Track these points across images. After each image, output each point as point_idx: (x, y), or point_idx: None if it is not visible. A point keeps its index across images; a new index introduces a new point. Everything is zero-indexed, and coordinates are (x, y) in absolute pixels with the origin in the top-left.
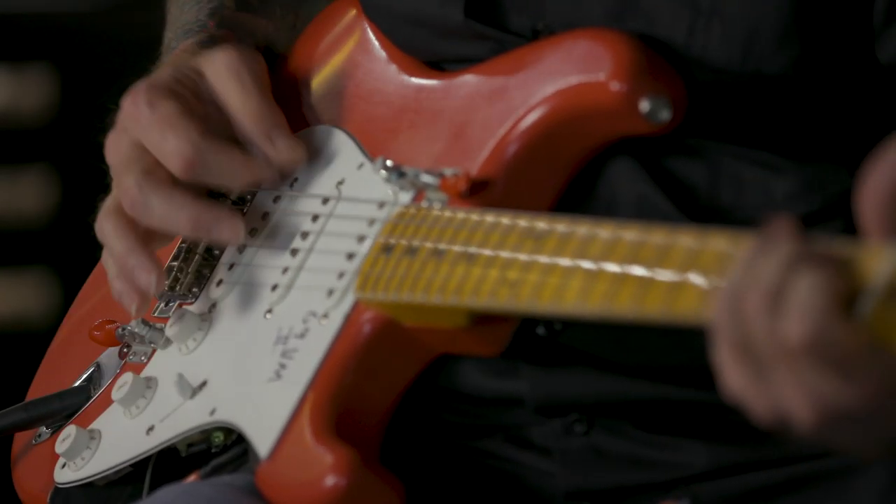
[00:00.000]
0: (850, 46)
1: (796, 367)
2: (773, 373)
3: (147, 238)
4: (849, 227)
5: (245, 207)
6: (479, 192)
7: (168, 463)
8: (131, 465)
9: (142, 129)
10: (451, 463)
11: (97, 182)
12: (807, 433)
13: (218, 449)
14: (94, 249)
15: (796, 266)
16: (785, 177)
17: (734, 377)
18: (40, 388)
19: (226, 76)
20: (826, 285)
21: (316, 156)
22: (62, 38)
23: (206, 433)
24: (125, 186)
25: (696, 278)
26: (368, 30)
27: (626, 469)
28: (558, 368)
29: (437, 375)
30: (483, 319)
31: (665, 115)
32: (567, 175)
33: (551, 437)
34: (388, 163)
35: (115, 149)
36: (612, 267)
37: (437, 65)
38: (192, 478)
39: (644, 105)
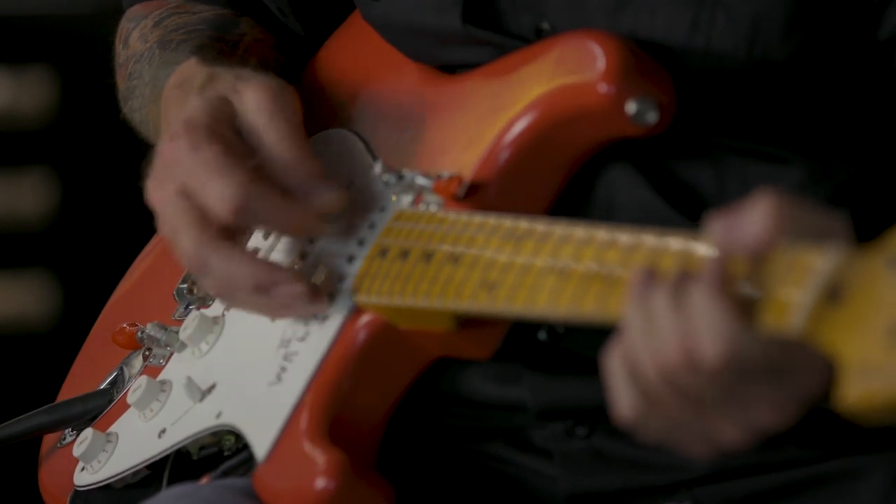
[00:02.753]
0: (853, 29)
1: (737, 388)
2: (725, 403)
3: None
4: (856, 215)
5: None
6: (473, 194)
7: (184, 465)
8: (147, 468)
9: (186, 173)
10: (452, 466)
11: (97, 184)
12: (772, 432)
13: (230, 452)
14: (93, 251)
15: (681, 297)
16: (791, 169)
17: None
18: (71, 389)
19: (259, 118)
20: (716, 299)
21: (328, 161)
22: (62, 40)
23: (217, 436)
24: (183, 246)
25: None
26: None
27: (627, 472)
28: (560, 374)
29: (440, 380)
30: (471, 322)
31: (652, 116)
32: (561, 179)
33: (552, 439)
34: (387, 165)
35: (160, 196)
36: (580, 268)
37: (444, 69)
38: (203, 481)
39: (630, 107)
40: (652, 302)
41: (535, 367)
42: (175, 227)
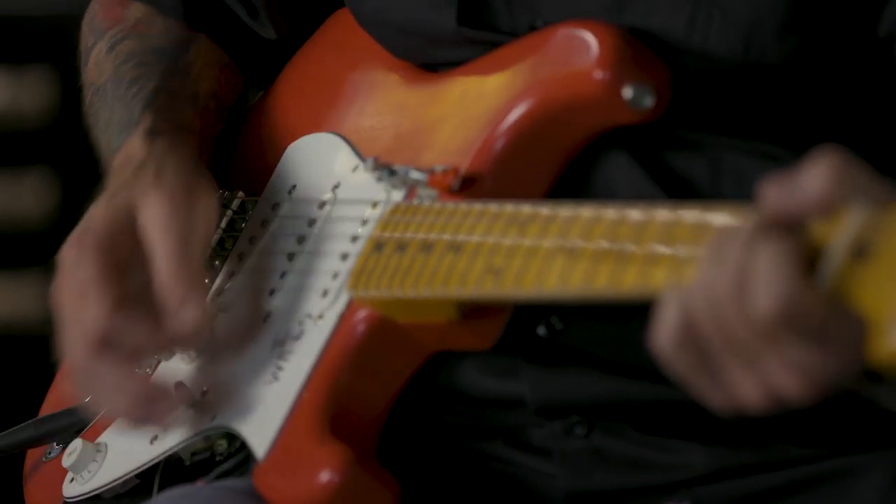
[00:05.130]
0: (850, 29)
1: (776, 344)
2: (758, 357)
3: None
4: None
5: (246, 216)
6: (469, 186)
7: (175, 475)
8: (137, 477)
9: (70, 287)
10: (451, 464)
11: (97, 184)
12: (797, 404)
13: (222, 457)
14: None
15: (755, 243)
16: (786, 167)
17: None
18: (53, 403)
19: (152, 230)
20: (786, 254)
21: (312, 164)
22: (62, 40)
23: (209, 441)
24: (70, 353)
25: (667, 250)
26: (361, 34)
27: (626, 471)
28: (559, 369)
29: (437, 376)
30: (473, 313)
31: (648, 101)
32: (557, 168)
33: (551, 438)
34: (379, 161)
35: (58, 299)
36: (590, 247)
37: (431, 67)
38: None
39: (627, 92)
40: (725, 247)
41: (534, 363)
42: (65, 334)
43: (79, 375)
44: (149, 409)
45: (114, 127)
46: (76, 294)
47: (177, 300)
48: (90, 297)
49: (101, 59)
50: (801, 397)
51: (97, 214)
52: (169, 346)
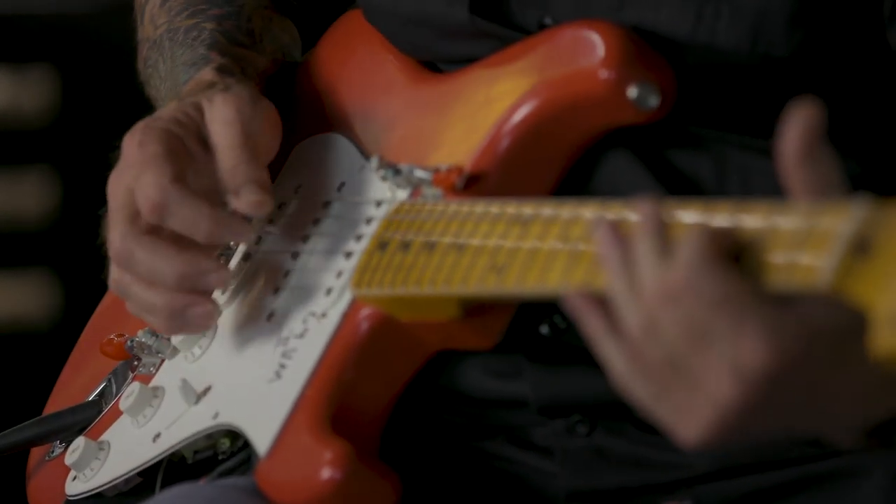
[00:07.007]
0: (858, 29)
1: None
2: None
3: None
4: None
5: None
6: (473, 185)
7: (178, 473)
8: (139, 475)
9: (128, 168)
10: (452, 463)
11: (98, 183)
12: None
13: (225, 455)
14: (95, 251)
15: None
16: None
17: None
18: (57, 402)
19: (219, 125)
20: (705, 248)
21: (318, 163)
22: (63, 39)
23: (212, 439)
24: (111, 239)
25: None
26: (368, 36)
27: (628, 470)
28: (562, 368)
29: (439, 376)
30: (476, 311)
31: (653, 100)
32: (561, 168)
33: (552, 437)
34: (383, 160)
35: (114, 192)
36: (591, 248)
37: (435, 67)
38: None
39: (632, 91)
40: (633, 250)
41: (536, 362)
42: (110, 221)
43: (118, 263)
44: (196, 287)
45: (179, 67)
46: (136, 169)
47: (238, 184)
48: (149, 169)
49: (156, 13)
50: (768, 356)
51: (165, 111)
52: (223, 232)
